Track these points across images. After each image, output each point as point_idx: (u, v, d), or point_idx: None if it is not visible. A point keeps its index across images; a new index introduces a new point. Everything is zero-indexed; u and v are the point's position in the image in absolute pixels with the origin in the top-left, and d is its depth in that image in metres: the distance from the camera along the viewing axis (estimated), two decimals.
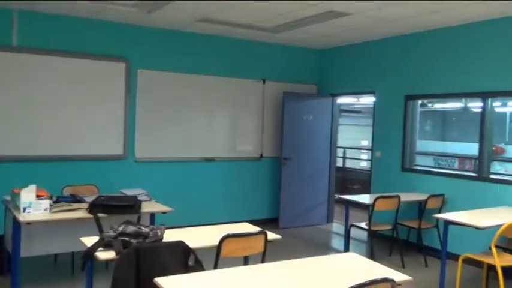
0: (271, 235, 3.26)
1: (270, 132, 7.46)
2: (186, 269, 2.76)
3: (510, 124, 15.98)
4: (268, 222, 7.19)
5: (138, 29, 6.35)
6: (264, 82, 7.34)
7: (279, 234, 3.37)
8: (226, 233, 3.03)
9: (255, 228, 3.40)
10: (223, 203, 7.09)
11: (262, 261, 3.14)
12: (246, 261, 3.35)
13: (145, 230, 2.99)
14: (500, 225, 4.13)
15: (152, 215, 4.42)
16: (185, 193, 6.73)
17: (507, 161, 13.67)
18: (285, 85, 7.42)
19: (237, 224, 3.68)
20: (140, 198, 4.48)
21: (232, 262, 2.79)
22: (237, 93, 7.15)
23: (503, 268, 4.11)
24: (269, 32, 6.47)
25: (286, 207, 7.23)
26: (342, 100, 9.46)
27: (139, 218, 4.22)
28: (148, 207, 4.41)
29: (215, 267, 2.91)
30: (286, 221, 7.22)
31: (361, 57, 7.08)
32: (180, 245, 2.84)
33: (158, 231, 3.04)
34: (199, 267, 2.79)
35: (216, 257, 3.00)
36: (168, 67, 6.58)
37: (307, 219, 7.46)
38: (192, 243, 2.88)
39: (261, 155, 7.40)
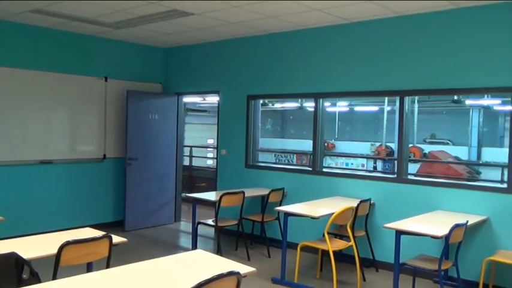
0: (116, 238, 3.15)
1: (114, 132, 7.16)
2: (20, 282, 2.51)
3: (339, 122, 17.76)
4: (114, 225, 6.94)
5: None
6: (106, 80, 7.02)
7: (125, 237, 3.27)
8: (66, 240, 2.84)
9: (98, 233, 3.24)
10: (63, 209, 6.60)
11: (107, 267, 3.02)
12: (89, 267, 3.18)
13: None
14: (332, 214, 4.57)
15: None
16: (18, 200, 6.11)
17: (337, 156, 15.18)
18: (129, 83, 7.20)
19: (79, 229, 3.47)
20: None
21: (74, 270, 2.63)
22: (77, 91, 6.72)
23: (335, 252, 4.56)
24: (111, 27, 6.21)
25: (132, 209, 7.02)
26: (188, 99, 9.53)
27: None
28: None
29: (54, 277, 2.70)
30: (132, 223, 7.02)
31: (206, 57, 7.20)
32: (11, 257, 2.57)
33: None
34: (35, 279, 2.56)
35: (54, 267, 2.79)
36: None
37: (154, 219, 7.35)
38: (26, 254, 2.63)
39: (104, 155, 7.07)
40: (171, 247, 6.29)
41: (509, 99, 4.67)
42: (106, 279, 2.45)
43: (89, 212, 6.85)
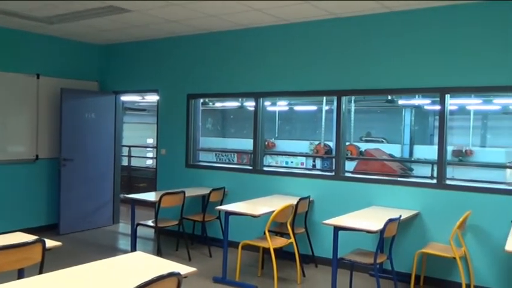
0: (50, 243, 3.02)
1: (47, 132, 6.86)
2: None
3: (279, 121, 18.00)
4: (47, 229, 6.66)
5: None
6: (38, 77, 6.71)
7: (60, 241, 3.14)
8: None
9: (30, 237, 3.09)
10: None
11: (40, 272, 2.89)
12: (20, 274, 3.02)
13: None
14: (272, 212, 4.63)
15: None
16: None
17: (277, 154, 15.36)
18: (63, 81, 6.92)
19: (10, 234, 3.30)
20: None
21: (4, 277, 2.49)
22: (6, 89, 6.37)
23: (276, 250, 4.62)
24: (43, 22, 5.94)
25: (67, 211, 6.76)
26: (126, 98, 9.30)
27: None
28: None
29: None
30: (67, 226, 6.76)
31: (145, 55, 7.06)
32: None
33: None
34: None
35: None
36: None
37: (91, 222, 7.12)
38: None
39: (37, 156, 6.76)
40: (109, 250, 6.12)
41: (438, 99, 4.93)
42: (39, 286, 2.34)
43: (20, 216, 6.52)
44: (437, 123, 5.08)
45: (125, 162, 10.40)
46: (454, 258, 4.30)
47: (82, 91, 7.07)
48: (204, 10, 5.21)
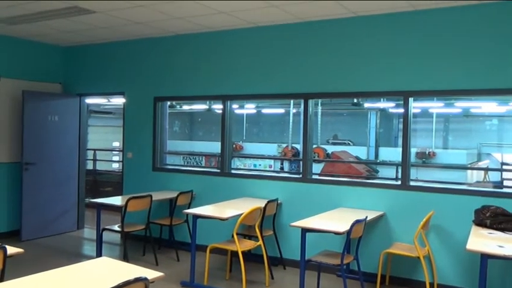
0: (11, 249, 2.93)
1: (8, 135, 6.65)
2: None
3: (247, 124, 18.03)
4: (8, 236, 6.46)
5: None
6: None
7: (22, 247, 3.06)
8: None
9: None
10: None
11: (1, 280, 2.81)
12: None
13: None
14: (240, 215, 4.63)
15: None
16: None
17: (245, 157, 15.39)
18: (25, 83, 6.74)
19: None
20: None
21: None
22: None
23: (244, 252, 4.62)
24: (3, 23, 5.77)
25: (30, 217, 6.58)
26: (91, 100, 9.15)
27: None
28: None
29: None
30: (30, 232, 6.57)
31: (111, 57, 6.95)
32: None
33: None
34: None
35: None
36: None
37: (54, 227, 6.94)
38: None
39: None
40: (73, 256, 5.98)
41: (402, 102, 5.05)
42: None
43: None
44: (401, 126, 5.19)
45: (90, 166, 10.22)
46: (418, 257, 4.40)
47: (45, 93, 6.89)
48: (169, 12, 5.18)
